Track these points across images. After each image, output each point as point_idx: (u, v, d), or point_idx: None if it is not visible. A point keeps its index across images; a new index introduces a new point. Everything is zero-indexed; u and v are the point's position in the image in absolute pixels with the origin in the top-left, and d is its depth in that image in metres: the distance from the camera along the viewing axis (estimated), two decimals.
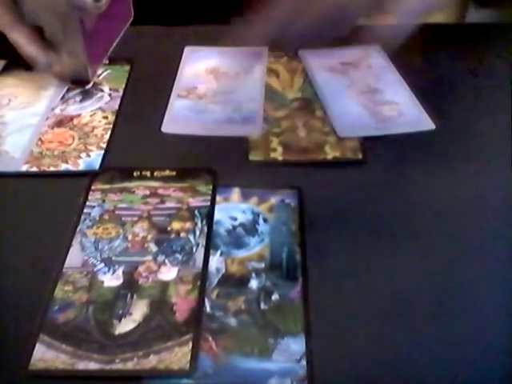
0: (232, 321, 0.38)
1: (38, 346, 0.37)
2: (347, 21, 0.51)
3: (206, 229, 0.44)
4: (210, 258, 0.42)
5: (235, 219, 0.45)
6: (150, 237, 0.44)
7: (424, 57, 0.65)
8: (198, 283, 0.40)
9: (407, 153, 0.52)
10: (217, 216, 0.45)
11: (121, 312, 0.39)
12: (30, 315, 0.39)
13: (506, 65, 0.61)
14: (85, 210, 0.46)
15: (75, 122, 0.55)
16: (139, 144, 0.53)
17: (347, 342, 0.38)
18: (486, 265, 0.43)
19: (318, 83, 0.59)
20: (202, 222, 0.45)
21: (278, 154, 0.51)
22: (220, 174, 0.49)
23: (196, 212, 0.46)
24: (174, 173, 0.49)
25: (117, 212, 0.46)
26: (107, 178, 0.49)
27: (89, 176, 0.49)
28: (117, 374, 0.36)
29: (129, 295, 0.40)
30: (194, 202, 0.46)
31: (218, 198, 0.47)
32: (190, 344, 0.37)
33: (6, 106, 0.57)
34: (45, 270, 0.41)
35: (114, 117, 0.56)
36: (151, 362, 0.36)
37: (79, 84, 0.58)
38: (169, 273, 0.41)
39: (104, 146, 0.52)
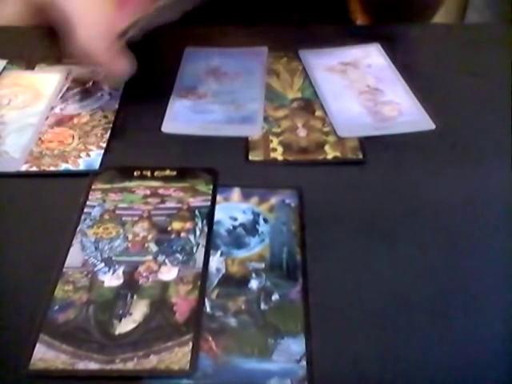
0: (232, 321, 0.38)
1: (38, 346, 0.37)
2: None
3: (206, 229, 0.44)
4: (211, 258, 0.42)
5: (235, 219, 0.45)
6: (150, 237, 0.44)
7: (424, 57, 0.65)
8: (198, 283, 0.40)
9: (407, 153, 0.52)
10: (217, 216, 0.45)
11: (121, 312, 0.39)
12: (30, 315, 0.39)
13: (506, 65, 0.61)
14: (85, 210, 0.46)
15: (75, 121, 0.55)
16: (139, 144, 0.53)
17: (347, 342, 0.38)
18: (486, 265, 0.43)
19: (318, 83, 0.60)
20: (202, 222, 0.45)
21: (278, 154, 0.51)
22: (220, 174, 0.49)
23: (196, 212, 0.46)
24: (175, 173, 0.49)
25: (117, 212, 0.46)
26: (107, 177, 0.49)
27: (89, 176, 0.49)
28: (117, 373, 0.36)
29: (129, 295, 0.40)
30: (195, 201, 0.46)
31: (218, 197, 0.47)
32: (190, 344, 0.37)
33: (6, 106, 0.57)
34: (45, 270, 0.41)
35: (113, 116, 0.56)
36: (151, 361, 0.36)
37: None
38: (169, 273, 0.41)
39: (104, 145, 0.52)
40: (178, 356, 0.36)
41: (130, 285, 0.41)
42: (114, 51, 0.52)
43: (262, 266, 0.42)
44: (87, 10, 0.52)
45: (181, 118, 0.56)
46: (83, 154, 0.51)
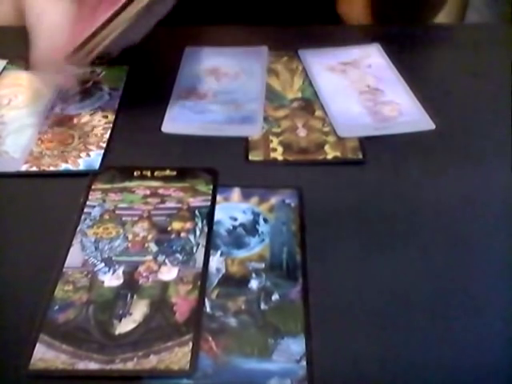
0: (232, 321, 0.38)
1: (38, 346, 0.37)
2: None
3: (206, 229, 0.44)
4: (211, 258, 0.42)
5: (235, 219, 0.45)
6: (150, 237, 0.44)
7: (424, 57, 0.65)
8: (198, 283, 0.40)
9: (407, 153, 0.52)
10: (217, 216, 0.45)
11: (121, 312, 0.39)
12: (29, 315, 0.39)
13: (506, 65, 0.61)
14: (85, 210, 0.46)
15: (75, 121, 0.55)
16: (139, 144, 0.53)
17: (347, 342, 0.38)
18: (486, 264, 0.43)
19: (318, 83, 0.60)
20: (202, 222, 0.45)
21: (278, 154, 0.51)
22: (220, 174, 0.49)
23: (196, 212, 0.46)
24: (175, 173, 0.49)
25: (117, 212, 0.46)
26: (107, 177, 0.49)
27: (89, 176, 0.49)
28: (117, 374, 0.36)
29: (129, 295, 0.40)
30: (195, 201, 0.46)
31: (218, 197, 0.47)
32: (190, 344, 0.37)
33: (6, 106, 0.57)
34: (45, 270, 0.41)
35: (113, 116, 0.56)
36: (151, 361, 0.36)
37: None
38: (169, 273, 0.41)
39: (104, 145, 0.52)
40: (177, 356, 0.36)
41: (130, 285, 0.41)
42: (65, 63, 0.52)
43: (262, 266, 0.42)
44: (46, 19, 0.52)
45: (181, 118, 0.56)
46: (83, 154, 0.51)
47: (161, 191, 0.47)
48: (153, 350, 0.37)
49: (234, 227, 0.45)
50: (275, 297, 0.40)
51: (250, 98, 0.58)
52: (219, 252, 0.43)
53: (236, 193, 0.47)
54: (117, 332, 0.38)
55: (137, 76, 0.61)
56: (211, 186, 0.48)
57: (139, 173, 0.49)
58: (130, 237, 0.44)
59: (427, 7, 0.74)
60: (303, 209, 0.46)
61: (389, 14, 0.74)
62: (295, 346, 0.37)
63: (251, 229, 0.44)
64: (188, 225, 0.45)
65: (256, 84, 0.60)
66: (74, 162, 0.51)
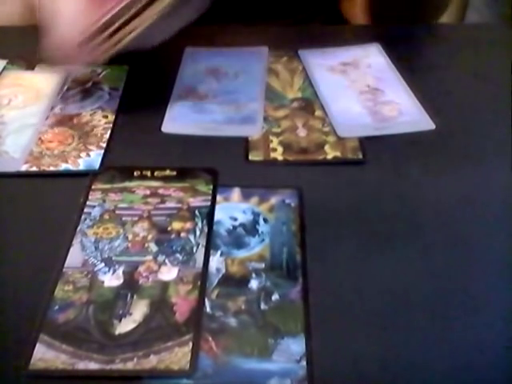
0: (232, 321, 0.38)
1: (38, 346, 0.37)
2: None
3: (206, 229, 0.44)
4: (211, 258, 0.42)
5: (235, 219, 0.45)
6: (150, 237, 0.44)
7: (424, 57, 0.65)
8: (198, 283, 0.40)
9: (407, 153, 0.52)
10: (217, 216, 0.45)
11: (121, 312, 0.39)
12: (30, 315, 0.39)
13: (506, 65, 0.61)
14: (85, 210, 0.46)
15: (75, 121, 0.55)
16: (139, 144, 0.53)
17: (347, 342, 0.38)
18: (486, 264, 0.43)
19: (318, 83, 0.60)
20: (202, 222, 0.45)
21: (278, 154, 0.51)
22: (220, 174, 0.49)
23: (196, 212, 0.46)
24: (175, 172, 0.49)
25: (117, 212, 0.46)
26: (107, 177, 0.49)
27: (89, 176, 0.49)
28: (117, 374, 0.36)
29: (129, 295, 0.40)
30: (195, 201, 0.46)
31: (218, 197, 0.47)
32: (190, 344, 0.37)
33: (6, 106, 0.57)
34: (45, 270, 0.41)
35: (113, 116, 0.56)
36: (151, 361, 0.36)
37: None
38: (169, 273, 0.41)
39: (104, 145, 0.52)
40: (178, 356, 0.36)
41: (130, 285, 0.41)
42: (86, 48, 0.52)
43: (262, 266, 0.42)
44: (63, 7, 0.52)
45: (181, 118, 0.56)
46: (83, 154, 0.51)
47: (161, 191, 0.47)
48: (153, 350, 0.37)
49: (234, 227, 0.45)
50: (275, 297, 0.40)
51: (250, 97, 0.58)
52: (219, 252, 0.43)
53: (236, 193, 0.47)
54: (117, 332, 0.38)
55: (137, 76, 0.61)
56: (211, 186, 0.48)
57: (139, 173, 0.49)
58: (130, 237, 0.44)
59: (429, 9, 0.74)
60: (303, 209, 0.46)
61: (388, 15, 0.74)
62: (295, 346, 0.37)
63: (251, 229, 0.44)
64: (188, 225, 0.45)
65: (256, 84, 0.60)
66: (74, 162, 0.51)
